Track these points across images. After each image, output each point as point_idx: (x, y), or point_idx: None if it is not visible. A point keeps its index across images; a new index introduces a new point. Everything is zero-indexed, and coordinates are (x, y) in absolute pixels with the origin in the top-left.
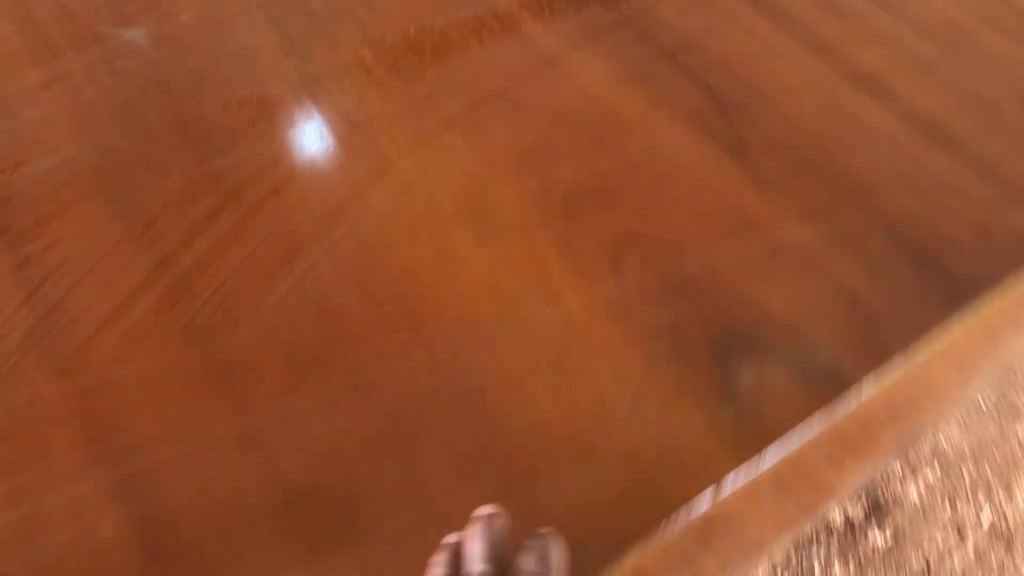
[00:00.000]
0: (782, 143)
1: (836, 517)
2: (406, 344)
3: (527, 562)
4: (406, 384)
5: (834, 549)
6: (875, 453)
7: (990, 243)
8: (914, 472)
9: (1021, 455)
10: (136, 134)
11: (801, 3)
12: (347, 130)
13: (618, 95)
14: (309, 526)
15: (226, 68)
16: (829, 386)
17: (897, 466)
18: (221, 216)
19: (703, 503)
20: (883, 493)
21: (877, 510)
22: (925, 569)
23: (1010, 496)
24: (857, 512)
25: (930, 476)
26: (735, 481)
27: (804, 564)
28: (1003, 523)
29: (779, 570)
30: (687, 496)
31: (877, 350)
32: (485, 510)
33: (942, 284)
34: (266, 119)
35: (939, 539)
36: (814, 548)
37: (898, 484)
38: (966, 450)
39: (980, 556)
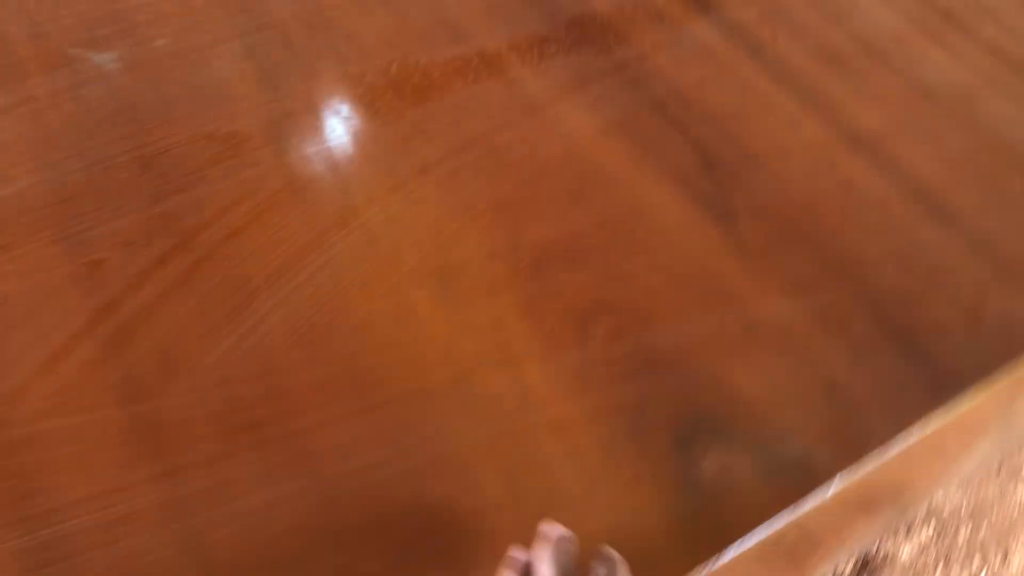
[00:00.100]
0: (770, 208)
1: (824, 573)
2: (351, 411)
3: None
4: (347, 457)
5: None
6: (840, 549)
7: (981, 330)
8: (908, 530)
9: (1019, 518)
10: (94, 167)
11: (803, 57)
12: (315, 172)
13: (602, 148)
14: None
15: (196, 99)
16: (797, 481)
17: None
18: (172, 260)
19: None
20: (874, 551)
21: (867, 568)
22: None
23: (1006, 561)
24: (846, 570)
25: (924, 535)
26: None
27: None
28: None
29: None
30: None
31: (852, 444)
32: (555, 531)
33: (927, 373)
34: (231, 156)
35: None
36: None
37: (890, 542)
38: (963, 510)
39: None
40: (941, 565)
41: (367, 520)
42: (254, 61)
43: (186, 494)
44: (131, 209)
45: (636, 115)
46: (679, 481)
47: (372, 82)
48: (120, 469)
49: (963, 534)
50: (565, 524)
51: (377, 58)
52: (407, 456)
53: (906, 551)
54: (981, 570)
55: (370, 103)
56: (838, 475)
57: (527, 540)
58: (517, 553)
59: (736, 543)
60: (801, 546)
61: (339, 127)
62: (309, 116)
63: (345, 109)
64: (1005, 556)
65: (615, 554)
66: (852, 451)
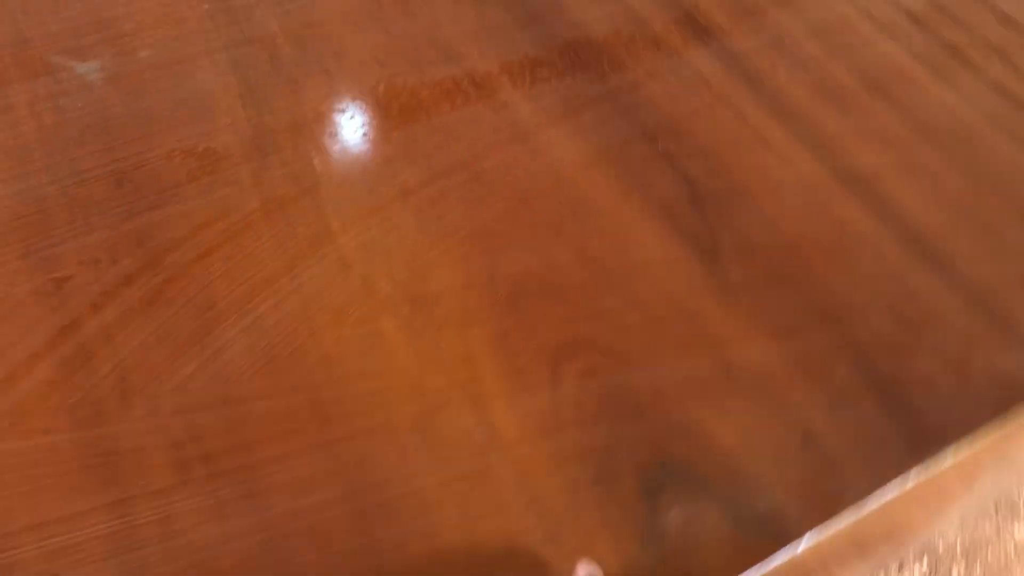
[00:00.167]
0: (756, 247)
1: None
2: (310, 445)
3: None
4: (302, 493)
5: None
6: None
7: (968, 385)
8: (900, 567)
9: (1015, 558)
10: (67, 180)
11: (802, 91)
12: (292, 193)
13: (588, 179)
14: None
15: (177, 113)
16: (766, 537)
17: None
18: (139, 279)
19: None
20: None
21: None
22: None
23: None
24: None
25: (917, 572)
26: None
27: None
28: None
29: None
30: None
31: (826, 499)
32: (586, 570)
33: (909, 427)
34: (208, 174)
35: None
36: None
37: None
38: (958, 548)
39: None
40: None
41: (317, 560)
42: (239, 75)
43: (134, 526)
44: (102, 225)
45: (626, 145)
46: (645, 531)
47: (357, 101)
48: (69, 497)
49: (956, 573)
50: (524, 572)
51: (365, 76)
52: (364, 494)
53: None
54: None
55: (354, 123)
56: (807, 533)
57: None
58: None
59: None
60: None
61: (320, 147)
62: (291, 134)
63: (328, 128)
64: None
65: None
66: (826, 506)
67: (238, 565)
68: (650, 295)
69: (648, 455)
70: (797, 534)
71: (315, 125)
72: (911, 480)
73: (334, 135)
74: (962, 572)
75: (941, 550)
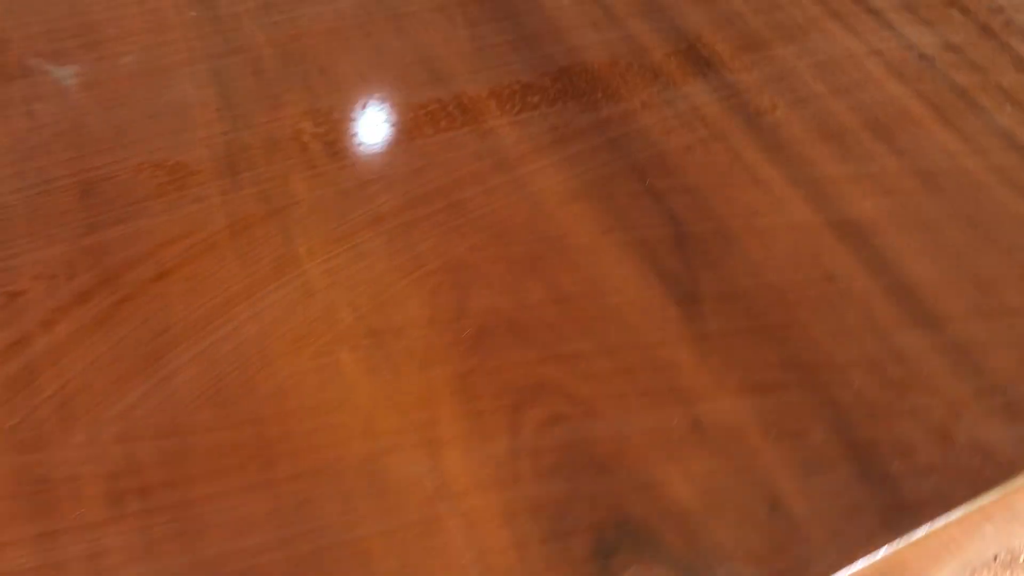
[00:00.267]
0: (738, 295)
1: None
2: (252, 484)
3: None
4: (239, 534)
5: None
6: None
7: (951, 456)
8: None
9: None
10: (32, 189)
11: (801, 129)
12: (260, 214)
13: (569, 213)
14: None
15: (152, 124)
16: None
17: None
18: (94, 297)
19: None
20: None
21: None
22: None
23: None
24: None
25: None
26: None
27: None
28: None
29: None
30: None
31: (791, 570)
32: None
33: (884, 497)
34: (176, 189)
35: None
36: None
37: None
38: None
39: None
40: None
41: None
42: (218, 87)
43: (59, 561)
44: (62, 238)
45: (611, 179)
46: None
47: (338, 120)
48: None
49: None
50: None
51: (348, 94)
52: (304, 539)
53: None
54: None
55: (332, 142)
56: None
57: None
58: None
59: None
60: None
61: (294, 166)
62: (265, 151)
63: (304, 147)
64: None
65: None
66: None
67: None
68: (622, 341)
69: (605, 513)
70: None
71: (291, 143)
72: (880, 554)
73: (310, 155)
74: None
75: None
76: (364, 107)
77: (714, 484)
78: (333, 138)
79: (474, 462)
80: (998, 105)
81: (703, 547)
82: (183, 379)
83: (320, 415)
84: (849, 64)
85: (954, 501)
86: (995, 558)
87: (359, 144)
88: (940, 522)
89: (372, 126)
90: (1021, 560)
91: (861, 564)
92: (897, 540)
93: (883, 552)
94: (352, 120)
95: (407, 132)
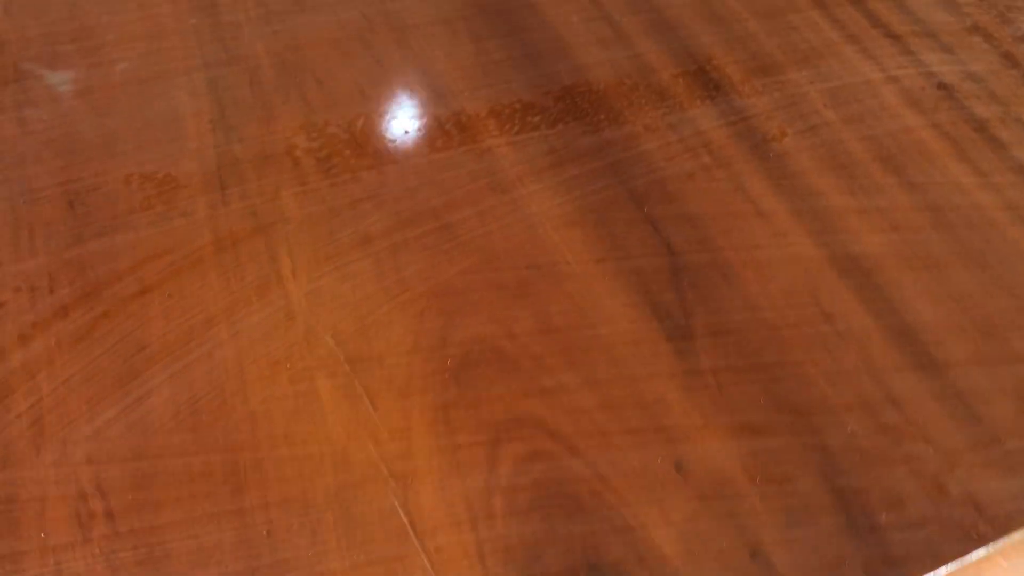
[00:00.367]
0: (732, 331)
1: None
2: (220, 512)
3: None
4: (203, 564)
5: None
6: None
7: (943, 509)
8: None
9: None
10: (17, 198)
11: (809, 158)
12: (246, 230)
13: (564, 239)
14: None
15: (143, 134)
16: None
17: None
18: (73, 312)
19: None
20: None
21: None
22: None
23: None
24: None
25: None
26: None
27: None
28: None
29: None
30: None
31: None
32: None
33: (870, 550)
34: (164, 202)
35: None
36: None
37: None
38: None
39: None
40: None
41: None
42: (214, 97)
43: None
44: (45, 250)
45: (609, 205)
46: None
47: (333, 135)
48: None
49: None
50: None
51: (344, 108)
52: (270, 571)
53: None
54: None
55: (325, 158)
56: None
57: None
58: None
59: None
60: None
61: (284, 182)
62: (256, 166)
63: (296, 163)
64: None
65: None
66: None
67: None
68: (609, 375)
69: (579, 556)
70: None
71: (283, 158)
72: None
73: (301, 170)
74: None
75: None
76: (360, 123)
77: (694, 529)
78: (326, 154)
79: (447, 498)
80: (1017, 139)
81: None
82: (157, 400)
83: (293, 444)
84: (864, 91)
85: (944, 557)
86: None
87: (353, 161)
88: None
89: (367, 143)
90: None
91: None
92: None
93: None
94: (347, 136)
95: (402, 150)
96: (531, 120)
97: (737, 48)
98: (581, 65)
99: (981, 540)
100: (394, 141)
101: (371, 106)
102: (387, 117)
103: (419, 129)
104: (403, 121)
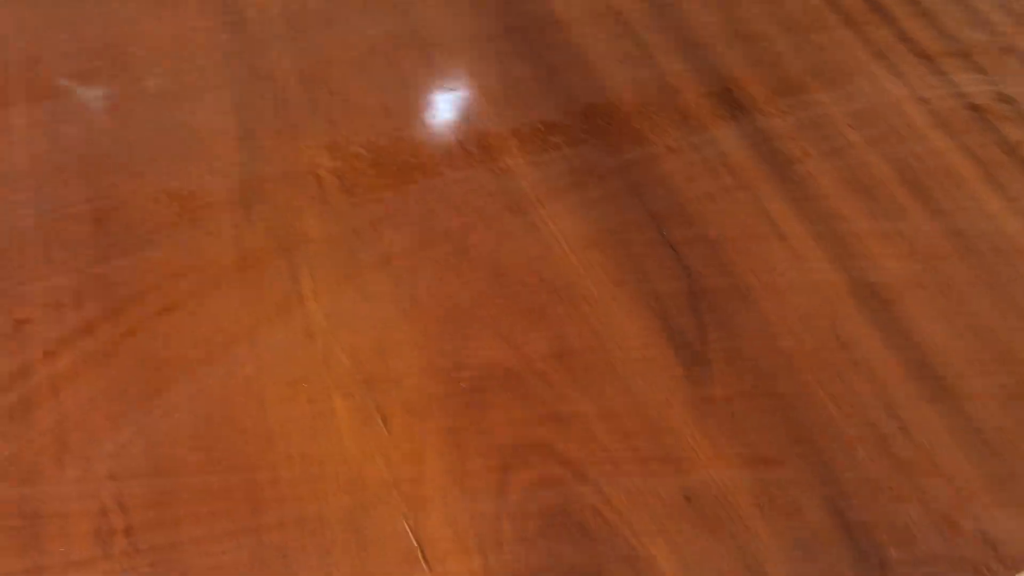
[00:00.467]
0: (747, 357)
1: None
2: (237, 530)
3: None
4: None
5: None
6: None
7: (954, 546)
8: None
9: None
10: (48, 214)
11: (832, 181)
12: (269, 249)
13: (582, 260)
14: None
15: (171, 151)
16: None
17: None
18: (99, 329)
19: None
20: None
21: None
22: None
23: None
24: None
25: None
26: None
27: None
28: None
29: None
30: None
31: None
32: None
33: None
34: (189, 220)
35: None
36: None
37: None
38: None
39: None
40: None
41: None
42: (239, 115)
43: None
44: (72, 267)
45: (628, 227)
46: None
47: (355, 154)
48: None
49: None
50: None
51: (368, 127)
52: None
53: None
54: None
55: (347, 177)
56: None
57: None
58: None
59: None
60: None
61: (307, 201)
62: (280, 184)
63: (319, 182)
64: None
65: None
66: None
67: None
68: (622, 402)
69: None
70: None
71: (307, 176)
72: None
73: (324, 189)
74: None
75: None
76: (383, 141)
77: (699, 559)
78: (348, 173)
79: (457, 523)
80: None
81: None
82: (178, 418)
83: (309, 464)
84: (891, 112)
85: None
86: None
87: (374, 180)
88: None
89: (389, 162)
90: None
91: None
92: None
93: None
94: (369, 155)
95: (424, 169)
96: (552, 140)
97: (763, 67)
98: (604, 85)
99: None
100: (415, 160)
101: (394, 125)
102: (409, 136)
103: (440, 148)
104: (425, 140)
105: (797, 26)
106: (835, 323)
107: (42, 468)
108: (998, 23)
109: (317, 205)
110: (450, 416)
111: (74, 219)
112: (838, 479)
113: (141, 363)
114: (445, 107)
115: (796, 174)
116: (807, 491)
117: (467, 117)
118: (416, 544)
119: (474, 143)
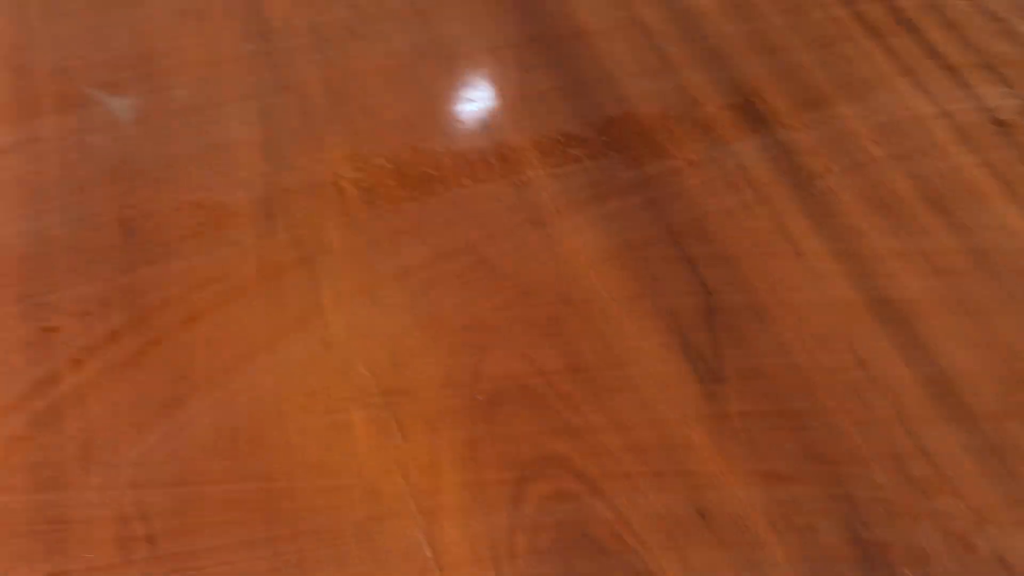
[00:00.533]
0: (764, 375)
1: None
2: (254, 540)
3: None
4: None
5: None
6: None
7: (970, 568)
8: None
9: None
10: (76, 223)
11: (853, 196)
12: (291, 260)
13: (600, 275)
14: None
15: (197, 161)
16: None
17: None
18: (124, 338)
19: None
20: None
21: None
22: None
23: None
24: None
25: None
26: None
27: None
28: None
29: None
30: None
31: None
32: None
33: None
34: (212, 230)
35: None
36: None
37: None
38: None
39: None
40: None
41: None
42: (264, 126)
43: None
44: (100, 276)
45: (647, 242)
46: None
47: (378, 165)
48: (10, 562)
49: None
50: None
51: (391, 139)
52: None
53: None
54: None
55: (369, 189)
56: None
57: None
58: None
59: None
60: None
61: (329, 213)
62: (303, 196)
63: (341, 193)
64: None
65: None
66: None
67: None
68: (637, 417)
69: None
70: None
71: (329, 188)
72: None
73: (346, 201)
74: None
75: None
76: (405, 153)
77: None
78: (370, 184)
79: (472, 535)
80: None
81: None
82: (199, 428)
83: (325, 474)
84: (914, 127)
85: None
86: None
87: (395, 192)
88: None
89: (410, 173)
90: None
91: None
92: None
93: None
94: (391, 167)
95: (444, 181)
96: (573, 152)
97: (786, 80)
98: (626, 96)
99: None
100: (436, 173)
101: (416, 136)
102: (431, 147)
103: (461, 160)
104: (446, 152)
105: (821, 38)
106: (852, 341)
107: (68, 474)
108: None
109: (338, 216)
110: (466, 429)
111: (103, 228)
112: (854, 498)
113: (164, 372)
114: (466, 118)
115: (817, 190)
116: (822, 510)
117: (488, 128)
118: (431, 556)
119: (494, 155)
